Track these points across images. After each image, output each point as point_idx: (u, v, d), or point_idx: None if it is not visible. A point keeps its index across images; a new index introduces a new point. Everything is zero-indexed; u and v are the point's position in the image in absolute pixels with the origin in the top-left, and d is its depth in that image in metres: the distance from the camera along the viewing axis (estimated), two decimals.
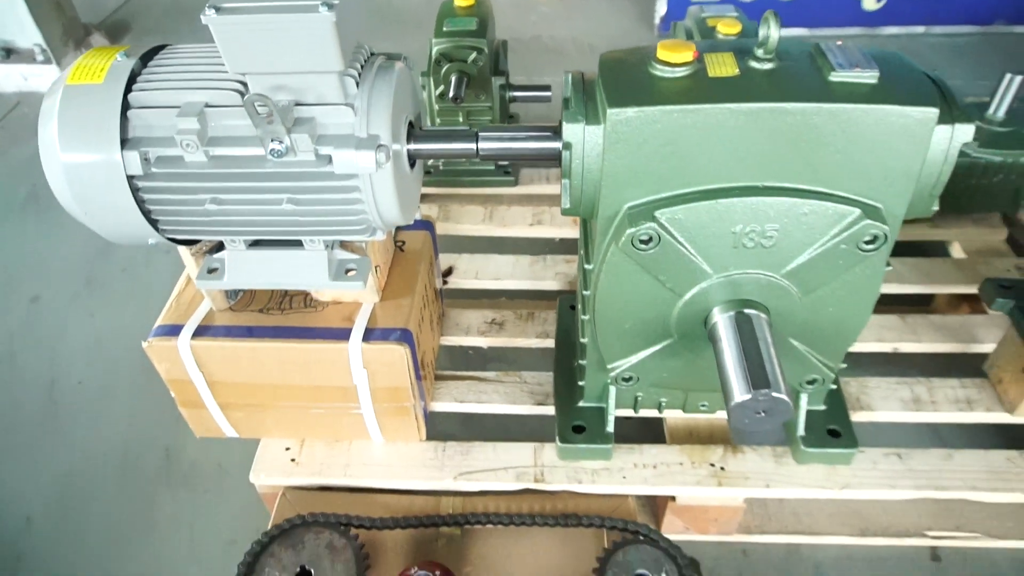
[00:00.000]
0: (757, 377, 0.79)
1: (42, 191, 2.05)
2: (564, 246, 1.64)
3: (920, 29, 2.50)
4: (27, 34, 2.34)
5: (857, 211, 0.78)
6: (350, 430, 1.12)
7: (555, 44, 2.66)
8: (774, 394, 0.78)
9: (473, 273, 1.43)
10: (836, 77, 0.75)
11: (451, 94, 1.39)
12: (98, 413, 1.46)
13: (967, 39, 2.48)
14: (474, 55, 1.42)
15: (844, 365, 1.02)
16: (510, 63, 1.62)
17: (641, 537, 1.01)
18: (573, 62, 2.51)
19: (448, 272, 1.43)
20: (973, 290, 1.35)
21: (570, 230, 1.54)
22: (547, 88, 1.58)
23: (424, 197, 1.60)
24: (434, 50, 1.43)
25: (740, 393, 0.79)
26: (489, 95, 1.48)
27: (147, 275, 1.77)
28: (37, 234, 1.92)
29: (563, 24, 2.78)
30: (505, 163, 1.64)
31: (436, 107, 1.49)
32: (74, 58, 2.41)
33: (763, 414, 0.80)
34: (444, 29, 1.43)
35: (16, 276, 1.79)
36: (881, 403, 1.17)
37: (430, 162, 1.61)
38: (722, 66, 0.78)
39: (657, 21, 2.63)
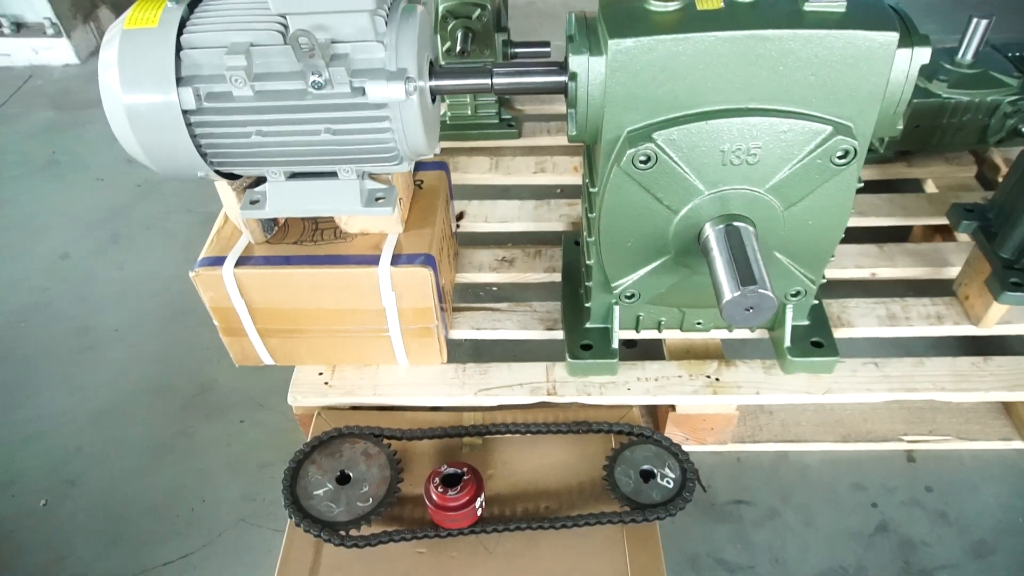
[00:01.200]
0: (745, 276, 0.90)
1: (61, 156, 2.14)
2: (565, 192, 1.75)
3: None
4: (36, 8, 2.41)
5: (830, 128, 0.89)
6: (378, 354, 1.22)
7: (548, 8, 2.75)
8: (760, 290, 0.88)
9: (483, 217, 1.53)
10: (809, 7, 0.85)
11: (458, 48, 1.49)
12: (132, 354, 1.57)
13: None
14: (478, 11, 1.51)
15: (824, 279, 1.13)
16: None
17: (645, 437, 1.13)
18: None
19: (460, 216, 1.53)
20: (945, 221, 1.46)
21: (571, 177, 1.64)
22: (547, 44, 1.66)
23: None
24: (441, 8, 1.52)
25: (730, 291, 0.90)
26: (493, 50, 1.57)
27: (169, 231, 1.87)
28: (61, 195, 2.01)
29: None
30: (508, 116, 1.73)
31: (443, 62, 1.58)
32: (83, 31, 2.50)
33: (752, 310, 0.91)
34: None
35: (44, 234, 1.88)
36: (860, 320, 1.29)
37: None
38: (709, 1, 0.88)
39: None
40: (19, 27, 2.46)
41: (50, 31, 2.44)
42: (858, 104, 0.89)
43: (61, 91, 2.42)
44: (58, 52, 2.49)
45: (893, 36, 0.84)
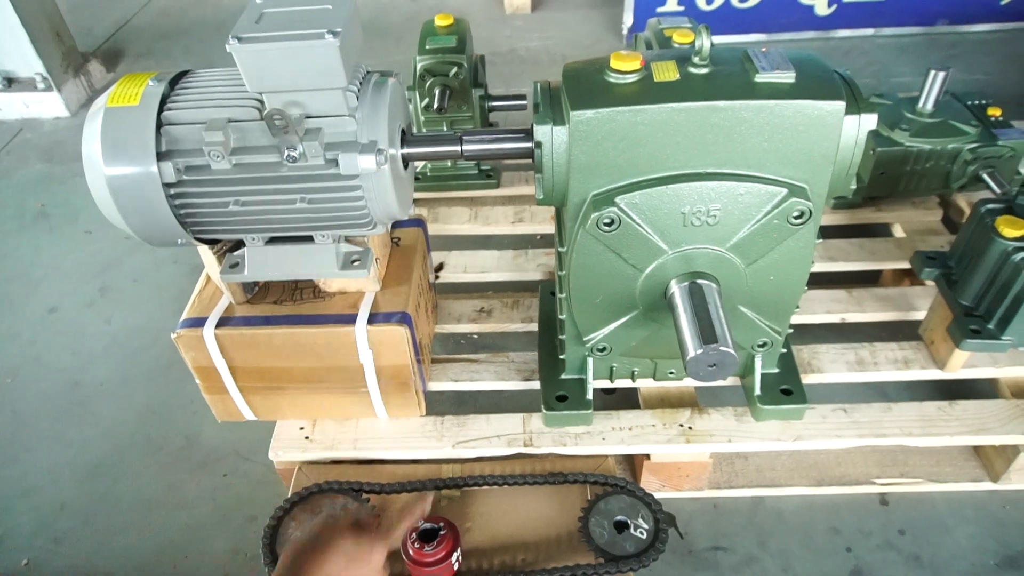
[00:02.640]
0: (707, 334, 0.93)
1: (51, 209, 2.17)
2: (544, 241, 1.79)
3: (869, 31, 2.68)
4: (28, 63, 2.46)
5: (784, 191, 0.93)
6: (358, 408, 1.25)
7: (530, 55, 2.82)
8: (722, 348, 0.92)
9: (462, 267, 1.57)
10: (760, 78, 0.90)
11: (436, 106, 1.54)
12: (120, 409, 1.59)
13: (912, 39, 2.66)
14: (455, 70, 1.56)
15: (791, 330, 1.17)
16: (488, 74, 1.76)
17: (619, 488, 1.15)
18: (546, 71, 2.66)
19: (439, 268, 1.56)
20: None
21: (548, 226, 1.68)
22: (523, 97, 1.71)
23: (414, 201, 1.74)
24: (418, 66, 1.57)
25: (693, 349, 0.93)
26: (470, 105, 1.62)
27: (157, 283, 1.90)
28: (49, 249, 2.04)
29: (536, 36, 2.94)
30: (487, 167, 1.78)
31: (422, 118, 1.63)
32: (74, 84, 2.55)
33: (714, 367, 0.94)
34: (427, 47, 1.57)
35: (32, 288, 1.91)
36: (829, 366, 1.32)
37: (418, 168, 1.76)
38: (665, 72, 0.92)
39: (624, 31, 2.79)
40: (10, 82, 2.51)
41: (41, 85, 2.49)
42: (811, 167, 0.93)
43: (51, 144, 2.46)
44: (48, 105, 2.54)
45: (840, 105, 0.88)
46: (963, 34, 2.67)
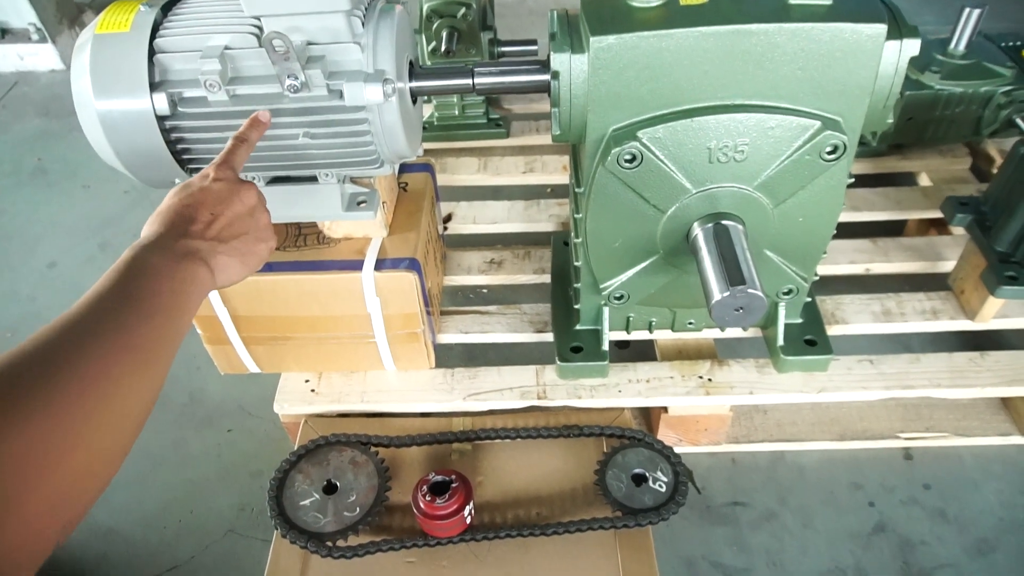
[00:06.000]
0: (734, 276, 0.88)
1: (48, 164, 2.12)
2: (556, 192, 1.73)
3: None
4: (22, 14, 2.39)
5: (818, 123, 0.87)
6: (365, 360, 1.21)
7: (538, 7, 2.73)
8: (749, 290, 0.86)
9: (471, 219, 1.52)
10: (795, 0, 0.83)
11: (443, 48, 1.47)
12: None
13: None
14: (463, 10, 1.49)
15: (817, 277, 1.12)
16: (498, 26, 1.69)
17: (637, 440, 1.11)
18: None
19: (448, 219, 1.51)
20: (940, 215, 1.44)
21: (561, 177, 1.63)
22: (534, 43, 1.64)
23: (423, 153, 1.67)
24: (425, 7, 1.50)
25: (719, 291, 0.88)
26: (479, 49, 1.55)
27: None
28: (47, 204, 1.99)
29: None
30: (496, 116, 1.71)
31: (429, 62, 1.56)
32: (68, 36, 2.48)
33: (741, 310, 0.89)
34: None
35: (31, 244, 1.86)
36: (854, 317, 1.27)
37: (425, 117, 1.69)
38: None
39: None
40: (4, 33, 2.44)
41: (35, 37, 2.42)
42: (847, 98, 0.87)
43: (48, 97, 2.40)
44: (44, 58, 2.47)
45: (881, 28, 0.82)
46: None
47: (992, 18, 2.37)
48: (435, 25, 1.50)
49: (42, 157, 2.14)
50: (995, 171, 1.40)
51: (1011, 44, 1.50)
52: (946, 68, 1.44)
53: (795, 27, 0.82)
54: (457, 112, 1.68)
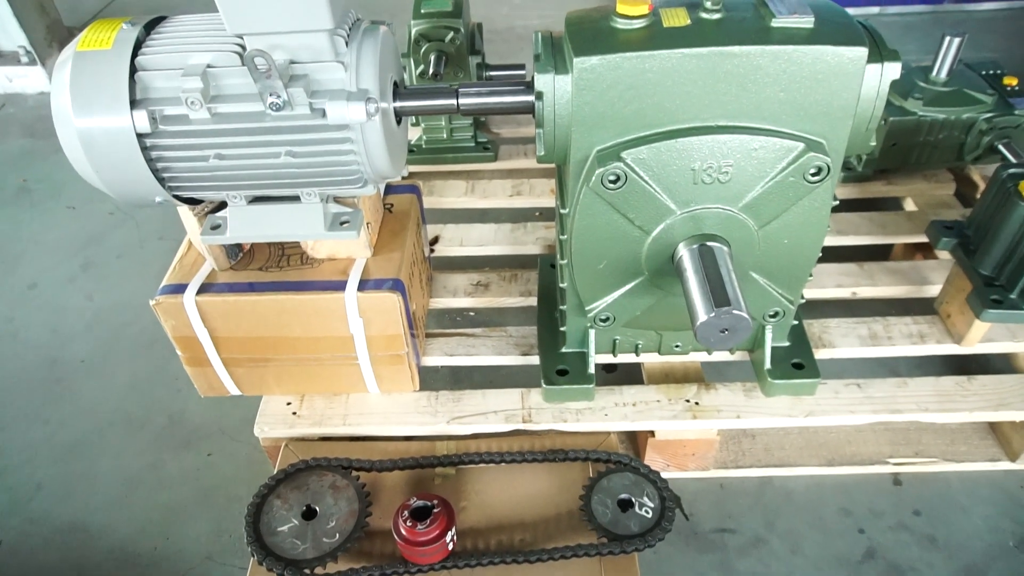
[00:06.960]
0: (719, 297, 0.87)
1: (33, 184, 2.10)
2: (544, 215, 1.73)
3: (875, 9, 2.62)
4: (11, 36, 2.39)
5: (802, 145, 0.87)
6: (348, 382, 1.19)
7: (528, 33, 2.75)
8: (735, 311, 0.86)
9: (458, 241, 1.51)
10: (777, 23, 0.84)
11: (431, 71, 1.47)
12: (100, 386, 1.52)
13: (918, 17, 2.60)
14: (451, 35, 1.49)
15: (803, 299, 1.11)
16: (486, 52, 1.69)
17: (623, 465, 1.10)
18: None
19: (435, 241, 1.50)
20: (925, 239, 1.44)
21: (548, 200, 1.62)
22: (522, 67, 1.65)
23: (408, 175, 1.67)
24: (413, 31, 1.50)
25: (704, 312, 0.87)
26: (467, 73, 1.55)
27: (142, 259, 1.83)
28: (30, 224, 1.97)
29: (535, 13, 2.87)
30: (484, 139, 1.72)
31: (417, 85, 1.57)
32: (58, 58, 2.47)
33: (726, 332, 0.88)
34: (422, 11, 1.51)
35: (13, 264, 1.84)
36: (841, 340, 1.26)
37: (412, 140, 1.69)
38: (675, 18, 0.87)
39: None
40: None
41: (24, 59, 2.42)
42: (830, 120, 0.88)
43: (34, 119, 2.39)
44: (32, 80, 2.46)
45: (862, 51, 0.83)
46: (970, 12, 2.61)
47: (972, 47, 2.42)
48: (423, 49, 1.50)
49: (26, 177, 2.13)
50: (978, 196, 1.40)
51: (991, 72, 1.51)
52: (928, 95, 1.46)
53: (777, 49, 0.82)
54: (445, 135, 1.68)
